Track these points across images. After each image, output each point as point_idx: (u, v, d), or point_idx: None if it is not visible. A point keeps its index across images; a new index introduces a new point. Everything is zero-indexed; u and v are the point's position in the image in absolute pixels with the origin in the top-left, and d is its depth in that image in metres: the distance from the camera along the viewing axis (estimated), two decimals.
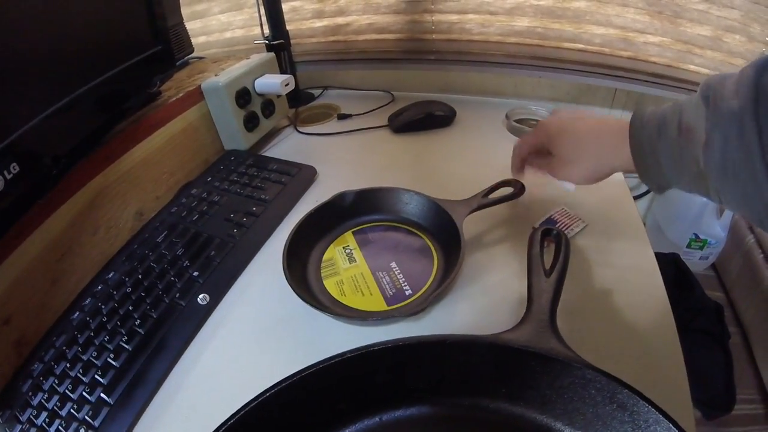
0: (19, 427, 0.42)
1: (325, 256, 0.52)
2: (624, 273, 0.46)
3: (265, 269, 0.54)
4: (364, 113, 0.85)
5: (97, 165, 0.55)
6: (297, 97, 0.87)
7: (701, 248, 1.37)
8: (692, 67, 0.80)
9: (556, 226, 0.52)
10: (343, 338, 0.44)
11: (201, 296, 0.49)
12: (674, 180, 0.38)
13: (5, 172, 0.43)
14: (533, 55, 0.86)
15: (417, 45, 0.90)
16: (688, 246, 1.37)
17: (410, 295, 0.46)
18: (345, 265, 0.51)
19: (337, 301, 0.47)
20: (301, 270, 0.50)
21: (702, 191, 0.35)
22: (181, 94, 0.65)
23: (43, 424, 0.42)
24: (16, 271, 0.47)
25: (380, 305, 0.46)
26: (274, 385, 0.32)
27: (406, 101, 0.84)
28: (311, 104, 0.93)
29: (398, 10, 0.88)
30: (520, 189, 0.52)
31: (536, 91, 0.89)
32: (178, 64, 0.75)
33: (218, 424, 0.30)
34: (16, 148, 0.44)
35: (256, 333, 0.47)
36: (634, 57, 0.82)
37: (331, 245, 0.54)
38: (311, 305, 0.44)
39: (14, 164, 0.44)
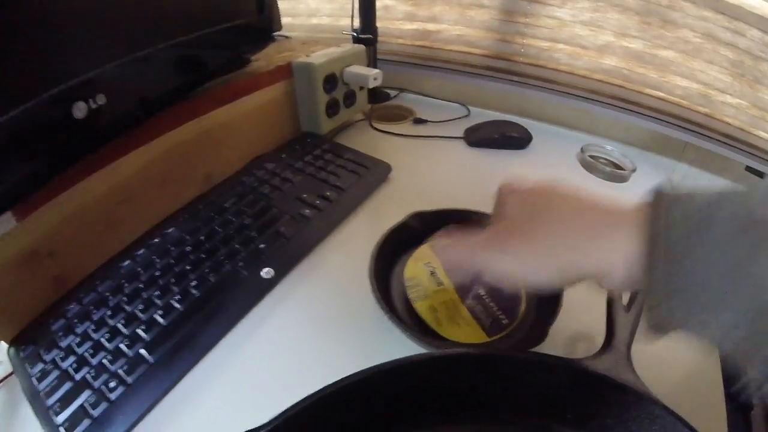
0: (40, 366, 0.41)
1: (408, 274, 0.46)
2: None
3: (333, 256, 0.52)
4: (440, 121, 0.83)
5: (179, 118, 0.55)
6: (374, 94, 0.86)
7: None
8: (762, 134, 0.77)
9: None
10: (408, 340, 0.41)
11: (265, 270, 0.47)
12: (704, 314, 0.23)
13: (90, 101, 0.43)
14: (614, 95, 0.84)
15: (502, 64, 0.88)
16: None
17: (507, 325, 0.42)
18: (433, 286, 0.45)
19: (434, 331, 0.42)
20: (385, 292, 0.45)
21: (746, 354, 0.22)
22: (271, 68, 0.65)
23: (69, 369, 0.40)
24: (74, 205, 0.46)
25: (480, 336, 0.41)
26: (346, 377, 0.30)
27: (481, 117, 0.83)
28: (386, 103, 0.92)
29: (491, 27, 0.86)
30: None
31: (610, 130, 0.87)
32: None
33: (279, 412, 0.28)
34: (107, 80, 0.44)
35: (317, 318, 0.45)
36: (710, 115, 0.80)
37: (410, 260, 0.48)
38: (415, 339, 0.39)
39: (101, 95, 0.44)
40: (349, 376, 0.30)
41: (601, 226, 0.28)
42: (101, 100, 0.44)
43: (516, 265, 0.30)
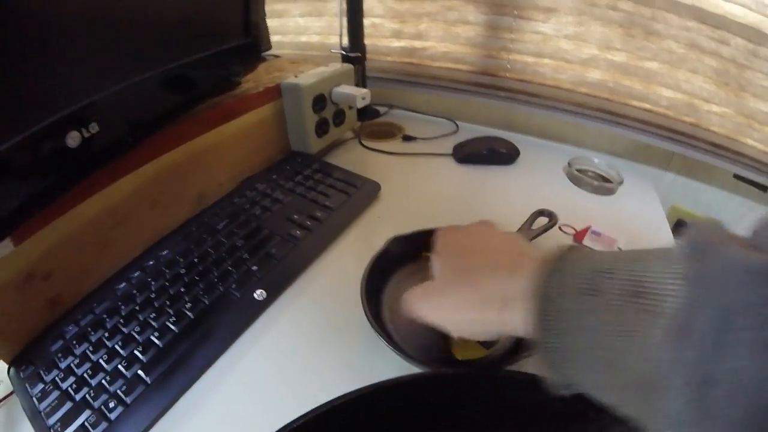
0: (41, 386, 0.41)
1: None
2: None
3: (324, 276, 0.53)
4: (429, 138, 0.84)
5: (170, 141, 0.56)
6: (363, 111, 0.87)
7: None
8: (749, 141, 0.79)
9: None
10: (395, 357, 0.42)
11: (258, 291, 0.48)
12: (587, 378, 0.24)
13: (84, 130, 0.44)
14: (600, 107, 0.86)
15: (489, 80, 0.90)
16: None
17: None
18: None
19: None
20: (376, 311, 0.46)
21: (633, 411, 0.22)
22: (260, 89, 0.66)
23: (69, 389, 0.40)
24: (69, 228, 0.46)
25: (477, 351, 0.41)
26: (334, 399, 0.31)
27: (470, 132, 0.84)
28: (375, 120, 0.93)
29: (476, 43, 0.88)
30: (555, 218, 0.53)
31: (597, 141, 0.89)
32: None
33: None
34: (99, 109, 0.45)
35: (308, 339, 0.45)
36: (696, 124, 0.81)
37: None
38: (405, 357, 0.40)
39: (95, 124, 0.45)
40: (343, 395, 0.31)
41: (502, 283, 0.30)
42: (94, 128, 0.45)
43: (441, 319, 0.34)
